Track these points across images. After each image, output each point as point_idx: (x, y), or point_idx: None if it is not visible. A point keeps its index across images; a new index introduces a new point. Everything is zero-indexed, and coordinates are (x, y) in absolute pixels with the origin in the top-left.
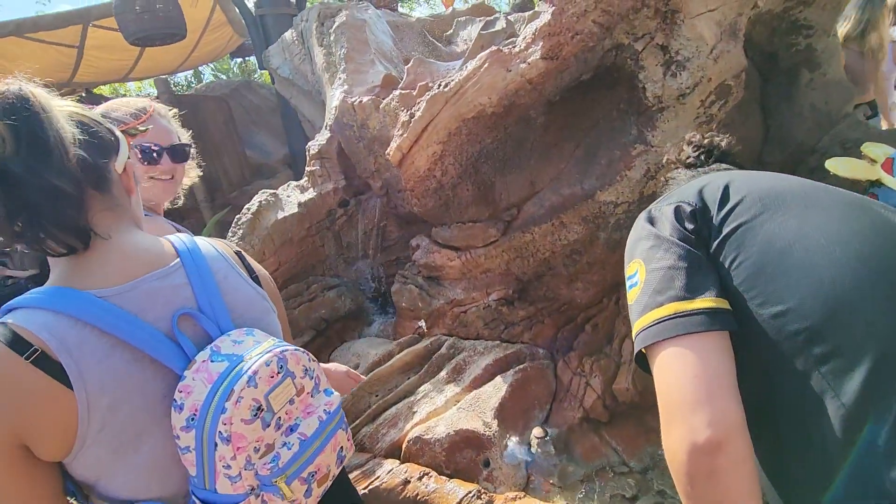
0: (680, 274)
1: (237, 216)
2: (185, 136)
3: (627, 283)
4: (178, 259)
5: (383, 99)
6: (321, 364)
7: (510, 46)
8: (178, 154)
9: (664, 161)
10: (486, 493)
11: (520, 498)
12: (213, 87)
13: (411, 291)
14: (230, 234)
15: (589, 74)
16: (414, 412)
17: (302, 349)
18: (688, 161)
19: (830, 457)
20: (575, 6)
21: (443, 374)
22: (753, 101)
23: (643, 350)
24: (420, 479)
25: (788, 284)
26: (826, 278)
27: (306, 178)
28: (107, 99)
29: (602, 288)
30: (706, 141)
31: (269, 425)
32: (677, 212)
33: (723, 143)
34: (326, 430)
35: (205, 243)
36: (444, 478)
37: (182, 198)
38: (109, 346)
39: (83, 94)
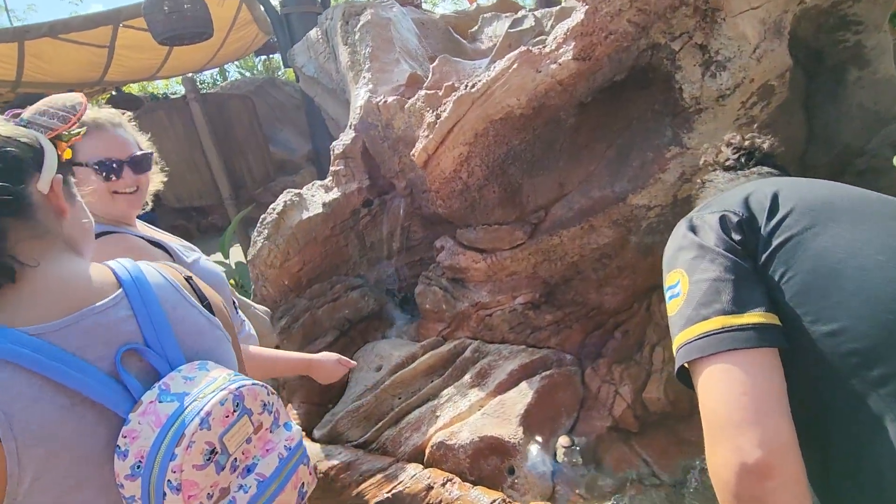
0: (727, 286)
1: (262, 216)
2: (144, 143)
3: (667, 294)
4: (121, 289)
5: (408, 98)
6: (316, 357)
7: (540, 47)
8: (140, 165)
9: (701, 163)
10: (510, 502)
11: None
12: (238, 85)
13: (435, 293)
14: (255, 233)
15: (623, 75)
16: (437, 416)
17: (261, 383)
18: (727, 164)
19: (888, 484)
20: (609, 5)
21: (467, 377)
22: (797, 100)
23: (685, 365)
24: (444, 485)
25: (842, 302)
26: (883, 297)
27: (331, 178)
28: (134, 98)
29: (632, 293)
30: (747, 143)
31: (223, 468)
32: (723, 221)
33: (764, 145)
34: (286, 468)
35: (151, 270)
36: (467, 484)
37: (149, 203)
38: (43, 390)
39: (114, 93)
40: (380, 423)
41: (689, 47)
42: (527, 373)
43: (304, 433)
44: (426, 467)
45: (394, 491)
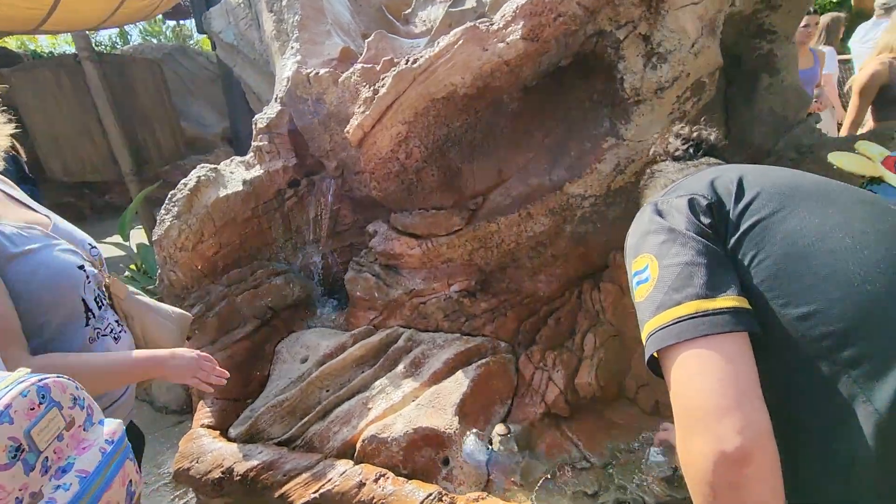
0: (699, 270)
1: (171, 192)
2: None
3: (634, 280)
4: None
5: (342, 73)
6: (167, 354)
7: (487, 24)
8: None
9: (651, 152)
10: (447, 495)
11: (482, 498)
12: (141, 50)
13: (367, 280)
14: (163, 211)
15: (568, 60)
16: (369, 409)
17: (67, 377)
18: (676, 154)
19: (860, 467)
20: None
21: (400, 367)
22: (718, 101)
23: (655, 353)
24: (376, 481)
25: (815, 285)
26: (856, 280)
27: (253, 154)
28: (9, 54)
29: (565, 281)
30: (695, 134)
31: (33, 468)
32: (692, 204)
33: (711, 137)
34: (111, 463)
35: None
36: (402, 479)
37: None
38: None
39: None
40: (306, 418)
41: (633, 37)
42: (462, 361)
43: (218, 433)
44: (357, 463)
45: (322, 490)
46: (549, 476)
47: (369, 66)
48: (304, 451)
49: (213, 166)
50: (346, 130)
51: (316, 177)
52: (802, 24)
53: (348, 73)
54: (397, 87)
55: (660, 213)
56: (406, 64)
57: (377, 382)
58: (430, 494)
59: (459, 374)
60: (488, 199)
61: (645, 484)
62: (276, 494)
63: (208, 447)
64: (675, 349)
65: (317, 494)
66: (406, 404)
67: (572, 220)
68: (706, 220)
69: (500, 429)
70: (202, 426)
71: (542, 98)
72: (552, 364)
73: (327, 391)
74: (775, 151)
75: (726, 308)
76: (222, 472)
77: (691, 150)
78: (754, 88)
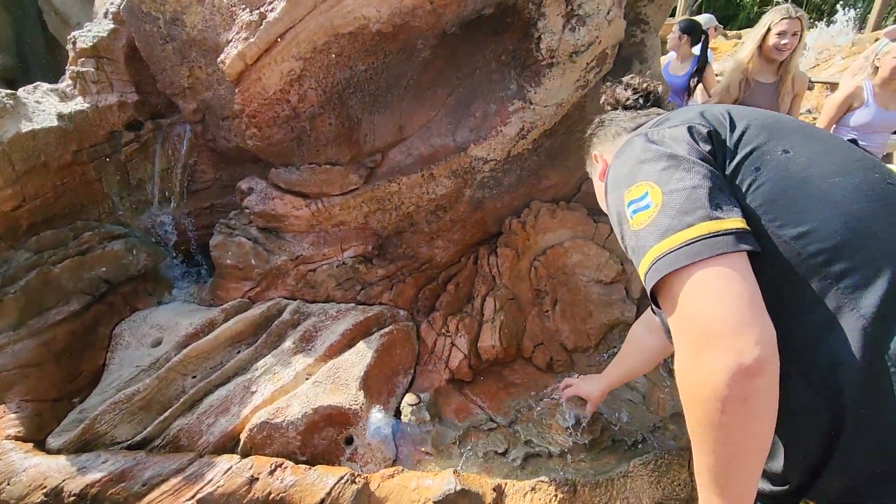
0: (707, 193)
1: None
2: None
3: (629, 210)
4: None
5: None
6: None
7: None
8: None
9: (601, 101)
10: (360, 476)
11: (398, 473)
12: None
13: (241, 245)
14: None
15: (490, 10)
16: (253, 392)
17: None
18: (627, 103)
19: (841, 377)
20: None
21: (288, 343)
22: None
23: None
24: (272, 473)
25: (809, 207)
26: (844, 201)
27: (70, 83)
28: None
29: (462, 247)
30: (645, 85)
31: None
32: (692, 132)
33: (658, 89)
34: None
35: None
36: (303, 467)
37: None
38: None
39: None
40: (167, 412)
41: None
42: (361, 332)
43: (31, 445)
44: (244, 456)
45: (200, 495)
46: (458, 441)
47: None
48: (167, 453)
49: (8, 91)
50: (220, 60)
51: (165, 120)
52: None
53: None
54: (292, 13)
55: (654, 142)
56: None
57: (260, 362)
58: (342, 478)
59: (361, 345)
60: (388, 156)
61: (549, 436)
62: None
63: (20, 464)
64: (687, 270)
65: (193, 501)
66: (300, 383)
67: (472, 183)
68: (706, 147)
69: (409, 398)
70: (7, 438)
71: (451, 52)
72: (455, 330)
73: (194, 377)
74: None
75: (736, 228)
76: (46, 495)
77: (641, 100)
78: (628, 72)
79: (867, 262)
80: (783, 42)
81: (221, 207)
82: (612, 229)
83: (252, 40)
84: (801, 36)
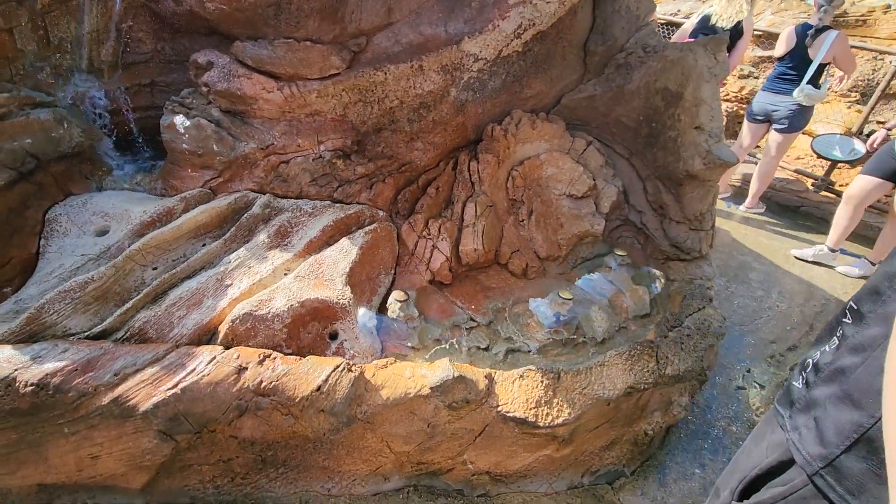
0: None
1: None
2: None
3: None
4: None
5: None
6: None
7: None
8: None
9: None
10: (355, 366)
11: (391, 363)
12: None
13: (200, 128)
14: None
15: None
16: (228, 286)
17: None
18: None
19: None
20: None
21: (262, 237)
22: None
23: None
24: (261, 363)
25: None
26: None
27: None
28: None
29: (442, 151)
30: None
31: None
32: None
33: None
34: None
35: None
36: (293, 357)
37: None
38: None
39: None
40: (129, 304)
41: None
42: (341, 230)
43: None
44: (227, 348)
45: (184, 384)
46: (442, 337)
47: None
48: (137, 344)
49: None
50: None
51: None
52: None
53: None
54: None
55: None
56: None
57: (232, 256)
58: (338, 366)
59: (345, 241)
60: (373, 41)
61: (528, 333)
62: (105, 400)
63: None
64: None
65: (176, 390)
66: (278, 278)
67: (458, 83)
68: None
69: (398, 294)
70: None
71: None
72: (437, 232)
73: (154, 269)
74: (627, 48)
75: None
76: None
77: None
78: None
79: None
80: None
81: (164, 86)
82: (587, 144)
83: None
84: None
